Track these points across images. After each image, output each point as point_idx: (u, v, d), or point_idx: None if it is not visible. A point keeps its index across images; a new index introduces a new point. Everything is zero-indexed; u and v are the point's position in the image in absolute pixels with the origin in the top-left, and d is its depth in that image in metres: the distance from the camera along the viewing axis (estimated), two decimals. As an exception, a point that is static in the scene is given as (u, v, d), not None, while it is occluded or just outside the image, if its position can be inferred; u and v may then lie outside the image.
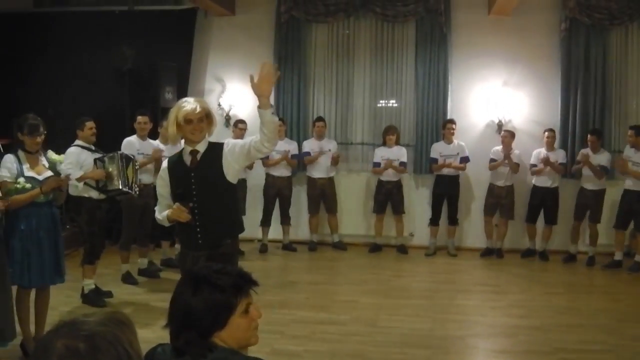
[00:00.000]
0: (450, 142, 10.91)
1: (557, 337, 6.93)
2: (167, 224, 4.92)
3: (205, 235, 4.75)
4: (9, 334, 5.67)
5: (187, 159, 4.77)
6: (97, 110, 9.08)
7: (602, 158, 10.37)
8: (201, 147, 4.73)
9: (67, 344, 1.59)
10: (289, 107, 11.72)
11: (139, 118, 8.99)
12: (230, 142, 4.80)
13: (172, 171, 4.81)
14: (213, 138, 4.81)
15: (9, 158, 5.88)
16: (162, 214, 4.85)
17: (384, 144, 11.09)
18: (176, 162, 4.84)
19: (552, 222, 10.82)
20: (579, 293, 8.96)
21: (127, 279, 8.88)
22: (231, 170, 4.73)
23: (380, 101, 11.83)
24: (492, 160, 10.83)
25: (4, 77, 11.33)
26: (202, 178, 4.73)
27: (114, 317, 1.73)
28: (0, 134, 8.51)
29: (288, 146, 11.06)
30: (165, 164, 4.96)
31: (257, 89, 4.33)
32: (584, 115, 11.07)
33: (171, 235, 9.34)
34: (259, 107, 4.40)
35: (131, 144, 8.85)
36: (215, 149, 4.74)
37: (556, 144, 10.84)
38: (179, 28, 11.81)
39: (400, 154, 11.04)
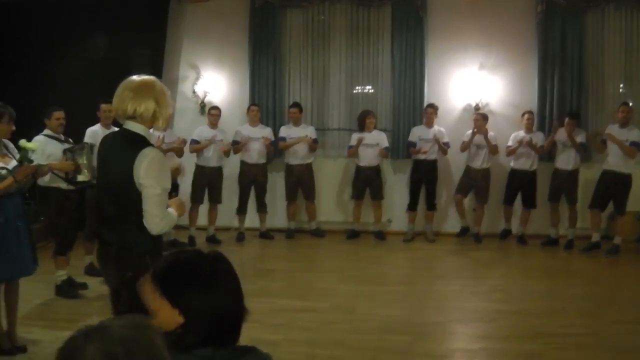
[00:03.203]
0: (430, 126, 10.84)
1: (538, 321, 6.88)
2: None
3: None
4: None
5: None
6: (69, 100, 8.89)
7: (580, 137, 10.36)
8: None
9: (102, 348, 1.56)
10: (264, 93, 11.57)
11: (103, 106, 8.51)
12: None
13: None
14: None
15: None
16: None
17: (361, 129, 10.98)
18: None
19: (530, 206, 10.79)
20: (558, 277, 8.93)
21: (90, 270, 8.57)
22: None
23: (357, 86, 11.73)
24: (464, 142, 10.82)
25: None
26: None
27: (143, 322, 1.71)
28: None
29: (262, 132, 10.94)
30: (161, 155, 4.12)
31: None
32: (561, 98, 11.02)
33: None
34: None
35: (95, 133, 8.29)
36: None
37: (534, 127, 10.80)
38: (152, 15, 11.58)
39: (380, 138, 10.97)
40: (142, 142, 3.95)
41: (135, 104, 3.91)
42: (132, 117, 3.96)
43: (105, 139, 4.22)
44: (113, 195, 3.95)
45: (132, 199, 3.87)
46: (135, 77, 4.02)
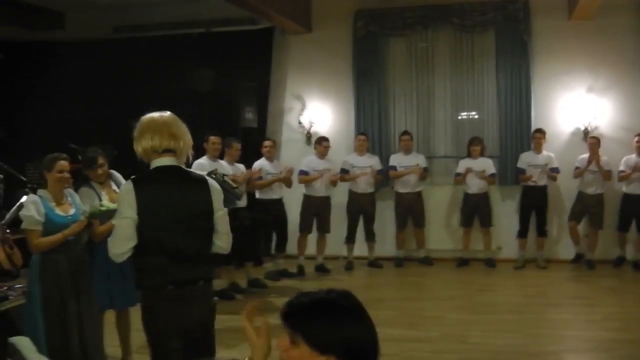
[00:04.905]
0: (539, 151, 10.70)
1: (657, 350, 6.68)
2: None
3: None
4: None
5: None
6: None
7: None
8: None
9: None
10: (369, 122, 11.68)
11: (212, 138, 8.88)
12: None
13: None
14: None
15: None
16: None
17: (468, 155, 10.94)
18: None
19: (645, 232, 10.48)
20: (677, 303, 8.64)
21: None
22: None
23: (462, 113, 11.71)
24: (577, 168, 10.58)
25: (86, 103, 11.71)
26: None
27: None
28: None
29: (370, 161, 10.99)
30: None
31: None
32: (675, 119, 10.70)
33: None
34: None
35: (202, 165, 8.37)
36: None
37: (647, 150, 10.49)
38: (257, 48, 11.93)
39: (486, 165, 10.88)
40: (196, 174, 4.29)
41: (172, 140, 4.07)
42: (167, 153, 4.04)
43: (147, 182, 4.01)
44: (199, 232, 3.99)
45: (212, 230, 4.06)
46: (156, 115, 4.25)
